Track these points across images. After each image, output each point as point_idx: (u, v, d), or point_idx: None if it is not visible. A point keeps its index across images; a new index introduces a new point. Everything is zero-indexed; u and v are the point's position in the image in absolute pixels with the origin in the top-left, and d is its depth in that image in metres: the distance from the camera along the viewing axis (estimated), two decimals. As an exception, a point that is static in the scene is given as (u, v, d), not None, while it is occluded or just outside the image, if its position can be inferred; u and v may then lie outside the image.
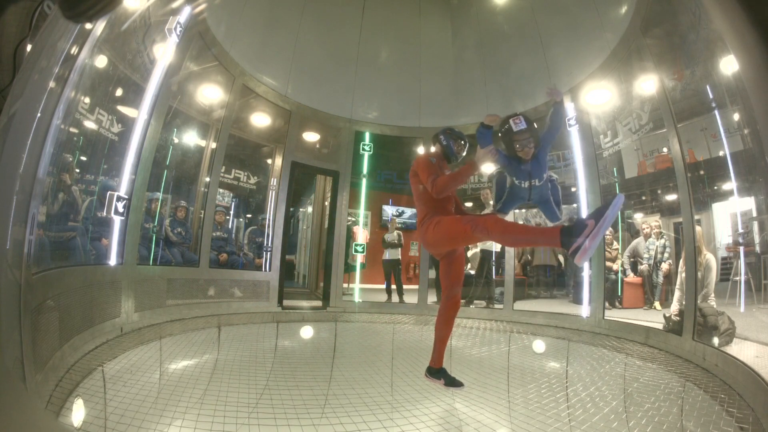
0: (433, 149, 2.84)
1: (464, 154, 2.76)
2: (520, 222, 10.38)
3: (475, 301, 6.19)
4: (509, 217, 2.88)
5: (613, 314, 5.11)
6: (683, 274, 4.07)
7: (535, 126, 2.44)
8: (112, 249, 3.80)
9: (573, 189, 7.01)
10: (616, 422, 2.43)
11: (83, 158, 3.95)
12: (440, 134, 2.79)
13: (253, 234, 6.28)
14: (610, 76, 5.08)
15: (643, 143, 6.39)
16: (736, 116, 4.36)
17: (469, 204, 10.65)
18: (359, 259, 6.58)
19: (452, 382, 2.47)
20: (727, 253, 4.99)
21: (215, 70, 5.25)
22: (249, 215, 6.79)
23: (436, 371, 2.50)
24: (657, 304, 5.42)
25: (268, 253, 5.83)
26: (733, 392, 2.72)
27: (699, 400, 2.71)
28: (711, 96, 4.43)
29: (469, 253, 7.92)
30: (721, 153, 4.84)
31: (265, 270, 5.76)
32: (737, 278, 4.22)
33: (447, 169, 2.60)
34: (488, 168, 7.35)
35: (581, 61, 5.33)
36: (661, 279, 5.48)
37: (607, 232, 5.95)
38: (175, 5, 4.19)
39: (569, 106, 5.45)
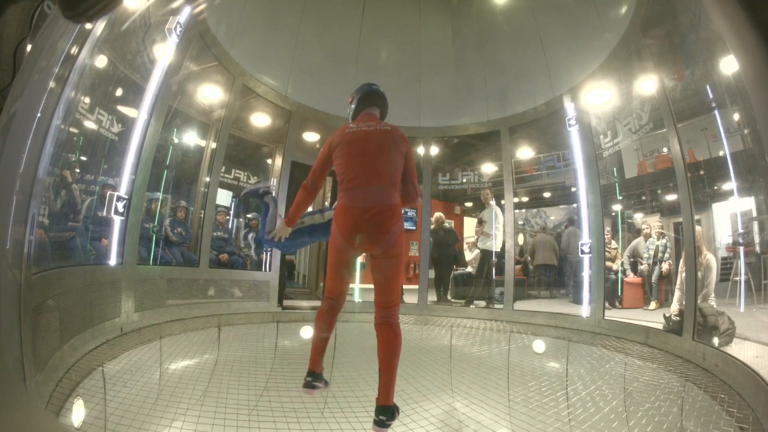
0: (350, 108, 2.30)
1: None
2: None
3: (475, 301, 6.19)
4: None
5: (613, 314, 5.11)
6: (683, 274, 4.07)
7: None
8: (112, 249, 3.80)
9: (573, 189, 7.02)
10: (617, 422, 2.43)
11: (83, 158, 3.96)
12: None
13: (249, 234, 6.27)
14: (610, 76, 5.08)
15: (643, 143, 6.39)
16: (736, 116, 4.36)
17: (469, 204, 10.68)
18: (359, 259, 6.57)
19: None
20: (727, 253, 4.99)
21: (215, 70, 5.24)
22: (248, 215, 6.79)
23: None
24: (653, 304, 5.42)
25: (268, 253, 5.82)
26: (733, 392, 2.72)
27: (699, 400, 2.71)
28: (711, 96, 4.43)
29: (471, 255, 7.92)
30: (721, 153, 4.84)
31: (265, 270, 5.76)
32: (737, 278, 4.22)
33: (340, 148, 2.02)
34: (489, 168, 7.34)
35: (581, 61, 5.33)
36: (658, 279, 5.48)
37: (606, 232, 5.95)
38: (175, 5, 4.18)
39: (569, 106, 5.46)
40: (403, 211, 2.01)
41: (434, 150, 6.84)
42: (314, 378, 2.04)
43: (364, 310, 5.95)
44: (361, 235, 1.88)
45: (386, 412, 1.83)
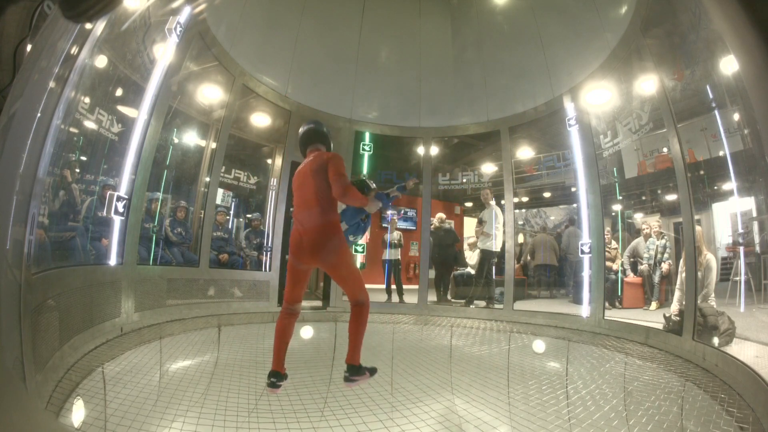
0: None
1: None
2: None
3: (475, 301, 6.19)
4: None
5: (613, 314, 5.11)
6: (683, 274, 4.08)
7: None
8: (112, 249, 3.79)
9: (573, 189, 7.02)
10: (616, 421, 2.44)
11: (83, 158, 3.96)
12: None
13: (251, 235, 6.28)
14: (610, 76, 5.08)
15: (643, 143, 6.40)
16: (736, 116, 4.37)
17: (469, 204, 10.68)
18: (359, 259, 6.58)
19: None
20: (727, 253, 5.00)
21: (215, 70, 5.24)
22: (249, 215, 6.80)
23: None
24: (654, 304, 5.41)
25: (268, 253, 5.83)
26: (733, 392, 2.72)
27: (699, 400, 2.71)
28: (711, 96, 4.43)
29: (473, 255, 7.92)
30: (721, 153, 4.84)
31: (265, 270, 5.76)
32: (737, 278, 4.22)
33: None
34: (489, 168, 7.34)
35: (581, 61, 5.33)
36: (659, 279, 5.48)
37: (606, 232, 5.95)
38: (175, 5, 4.18)
39: (569, 106, 5.46)
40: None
41: (434, 150, 6.84)
42: (278, 378, 2.28)
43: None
44: (303, 252, 2.21)
45: (352, 369, 2.25)
